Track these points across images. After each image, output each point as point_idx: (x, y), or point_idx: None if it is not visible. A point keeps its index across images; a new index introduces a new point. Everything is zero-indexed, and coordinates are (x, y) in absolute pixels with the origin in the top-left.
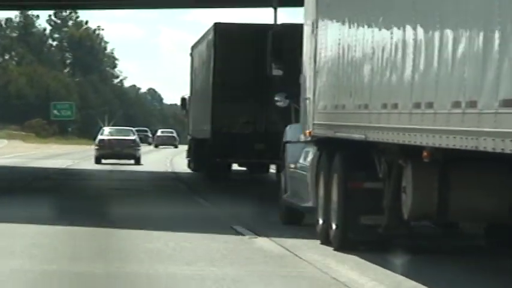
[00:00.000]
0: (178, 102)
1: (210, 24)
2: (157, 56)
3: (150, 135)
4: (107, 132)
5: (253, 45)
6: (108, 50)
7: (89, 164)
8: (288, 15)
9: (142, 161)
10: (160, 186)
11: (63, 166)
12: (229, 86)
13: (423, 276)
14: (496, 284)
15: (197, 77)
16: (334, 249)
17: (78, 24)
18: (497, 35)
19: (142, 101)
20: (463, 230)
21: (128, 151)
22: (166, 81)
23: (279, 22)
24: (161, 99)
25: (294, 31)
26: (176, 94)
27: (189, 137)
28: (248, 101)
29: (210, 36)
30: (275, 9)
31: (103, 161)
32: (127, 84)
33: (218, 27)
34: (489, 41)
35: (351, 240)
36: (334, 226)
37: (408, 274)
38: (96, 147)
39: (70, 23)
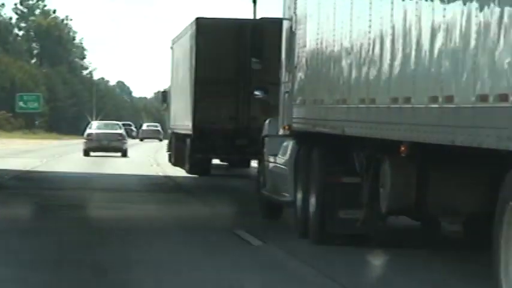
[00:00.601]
0: (148, 96)
1: (184, 17)
2: (125, 49)
3: (134, 129)
4: (94, 126)
5: (235, 40)
6: (77, 40)
7: (61, 164)
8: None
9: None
10: (156, 202)
11: (27, 168)
12: (210, 81)
13: (398, 270)
14: (475, 279)
15: (178, 71)
16: (312, 243)
17: (46, 13)
18: (473, 30)
19: (112, 94)
20: (441, 224)
21: (115, 144)
22: (135, 74)
23: (263, 15)
24: (130, 92)
25: (275, 25)
26: (145, 87)
27: (169, 131)
28: (230, 96)
29: (192, 31)
30: (254, 2)
31: (84, 163)
32: (95, 76)
33: (200, 22)
34: (466, 36)
35: (329, 234)
36: (312, 220)
37: (384, 268)
38: (85, 141)
39: (37, 11)
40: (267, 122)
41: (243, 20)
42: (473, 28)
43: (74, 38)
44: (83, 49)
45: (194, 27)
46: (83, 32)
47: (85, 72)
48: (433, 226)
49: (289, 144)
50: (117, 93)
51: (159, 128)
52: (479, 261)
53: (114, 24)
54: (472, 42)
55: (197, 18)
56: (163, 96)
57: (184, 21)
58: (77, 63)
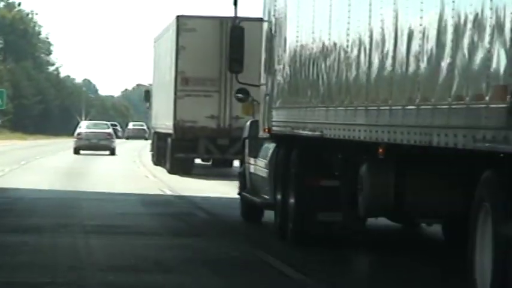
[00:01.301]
0: (115, 94)
1: (147, 15)
2: (90, 46)
3: (120, 129)
4: (84, 126)
5: (217, 38)
6: (43, 35)
7: (29, 175)
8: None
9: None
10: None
11: None
12: (192, 80)
13: (378, 271)
14: (454, 278)
15: (160, 70)
16: (290, 245)
17: (10, 6)
18: (450, 31)
19: (79, 91)
20: (421, 226)
21: (104, 143)
22: (101, 72)
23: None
24: (96, 90)
25: (255, 26)
26: (112, 85)
27: (152, 131)
28: (212, 96)
29: (172, 29)
30: (235, 4)
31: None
32: (61, 74)
33: (180, 20)
34: (442, 38)
35: (308, 236)
36: (291, 222)
37: (361, 270)
38: (75, 140)
39: (1, 4)
40: (247, 123)
41: (225, 17)
42: (449, 30)
43: (39, 33)
44: (49, 44)
45: (174, 25)
46: (48, 27)
47: (51, 68)
48: (412, 227)
49: (269, 147)
50: (83, 91)
51: (145, 127)
52: (458, 261)
53: (80, 20)
54: (448, 44)
55: (177, 16)
56: (146, 95)
57: (153, 19)
58: (42, 59)
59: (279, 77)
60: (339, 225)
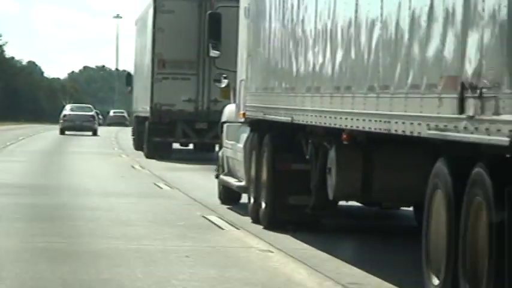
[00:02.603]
0: (62, 76)
1: None
2: (33, 30)
3: (101, 117)
4: (68, 109)
5: (195, 20)
6: None
7: None
8: None
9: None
10: None
11: None
12: (169, 62)
13: (341, 251)
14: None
15: (139, 53)
16: (263, 228)
17: None
18: (407, 21)
19: (26, 73)
20: (394, 210)
21: (87, 124)
22: (45, 55)
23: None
24: (42, 72)
25: (232, 12)
26: (56, 68)
27: (133, 115)
28: (190, 79)
29: (150, 11)
30: None
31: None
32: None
33: (158, 1)
34: (400, 28)
35: (279, 219)
36: (263, 205)
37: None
38: (61, 121)
39: None
40: (225, 108)
41: None
42: (406, 20)
43: None
44: None
45: (152, 6)
46: None
47: None
48: (386, 211)
49: (244, 131)
50: (29, 73)
51: (125, 114)
52: None
53: (23, 2)
54: (406, 34)
55: None
56: (128, 79)
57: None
58: None
59: (253, 63)
60: (310, 208)
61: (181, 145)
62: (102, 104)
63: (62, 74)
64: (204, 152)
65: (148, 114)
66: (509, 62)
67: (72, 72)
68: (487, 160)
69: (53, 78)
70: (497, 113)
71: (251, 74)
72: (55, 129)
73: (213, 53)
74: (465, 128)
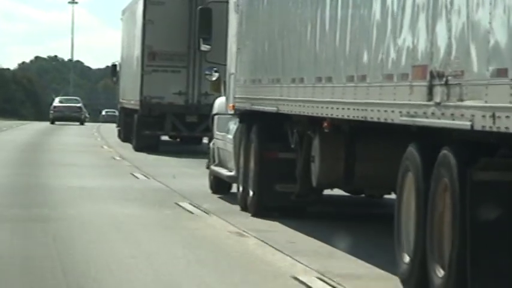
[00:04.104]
0: (12, 67)
1: None
2: None
3: (88, 115)
4: (57, 101)
5: (186, 12)
6: None
7: None
8: None
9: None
10: None
11: None
12: (159, 55)
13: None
14: None
15: (127, 44)
16: (251, 215)
17: None
18: (380, 15)
19: None
20: (380, 198)
21: (74, 115)
22: None
23: None
24: None
25: (223, 6)
26: (5, 60)
27: (119, 106)
28: (180, 71)
29: (140, 2)
30: None
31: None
32: None
33: None
34: (376, 20)
35: (266, 206)
36: (251, 193)
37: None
38: (51, 112)
39: None
40: (216, 100)
41: None
42: (380, 14)
43: None
44: None
45: None
46: None
47: None
48: (371, 199)
49: (234, 123)
50: None
51: (116, 113)
52: None
53: None
54: (380, 27)
55: None
56: (113, 70)
57: None
58: None
59: (241, 56)
60: (295, 195)
61: (171, 138)
62: (56, 96)
63: (12, 65)
64: (191, 144)
65: (137, 107)
66: (471, 51)
67: (23, 62)
68: (453, 143)
69: (3, 68)
70: (461, 99)
71: (240, 66)
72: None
73: (204, 47)
74: (433, 113)
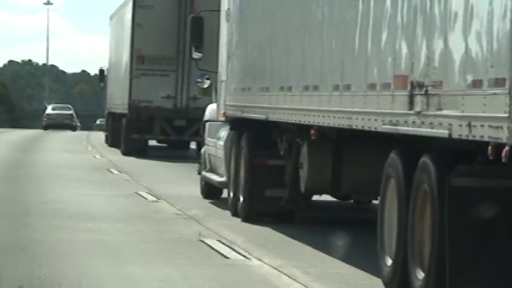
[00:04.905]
0: None
1: None
2: None
3: (79, 124)
4: (50, 108)
5: (175, 15)
6: None
7: None
8: None
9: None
10: None
11: None
12: (148, 58)
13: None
14: None
15: (116, 48)
16: (242, 220)
17: None
18: (366, 28)
19: None
20: (368, 203)
21: (66, 122)
22: None
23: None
24: None
25: (214, 15)
26: None
27: (106, 111)
28: (169, 75)
29: (129, 6)
30: None
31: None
32: None
33: None
34: (361, 31)
35: (256, 212)
36: (241, 199)
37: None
38: (44, 119)
39: None
40: (207, 107)
41: None
42: (367, 23)
43: None
44: None
45: (131, 1)
46: None
47: None
48: (360, 205)
49: (225, 130)
50: None
51: None
52: None
53: None
54: (365, 35)
55: None
56: (101, 75)
57: None
58: None
59: (232, 64)
60: (284, 201)
61: (159, 142)
62: (30, 101)
63: None
64: (178, 150)
65: (125, 111)
66: (449, 63)
67: (4, 65)
68: (432, 151)
69: None
70: (439, 109)
71: (230, 74)
72: None
73: (196, 54)
74: (413, 122)
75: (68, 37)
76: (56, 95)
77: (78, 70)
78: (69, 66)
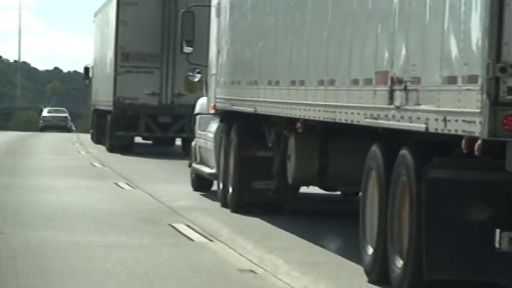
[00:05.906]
0: None
1: None
2: None
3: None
4: (46, 111)
5: (159, 12)
6: None
7: None
8: None
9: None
10: None
11: None
12: (132, 55)
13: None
14: None
15: (100, 46)
16: (231, 211)
17: None
18: (349, 24)
19: None
20: (356, 195)
21: (62, 123)
22: None
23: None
24: None
25: (205, 11)
26: None
27: (92, 108)
28: (153, 72)
29: (113, 3)
30: None
31: None
32: None
33: None
34: (344, 27)
35: (245, 203)
36: (230, 190)
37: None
38: (41, 121)
39: None
40: (198, 100)
41: None
42: (349, 23)
43: None
44: None
45: None
46: None
47: None
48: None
49: (215, 122)
50: None
51: None
52: None
53: None
54: (348, 32)
55: None
56: (86, 72)
57: None
58: None
59: (222, 58)
60: (272, 192)
61: (144, 139)
62: (1, 100)
63: None
64: (164, 146)
65: (110, 108)
66: (426, 60)
67: None
68: (411, 144)
69: None
70: (417, 104)
71: (220, 68)
72: None
73: (187, 49)
74: (393, 116)
75: (40, 34)
76: (28, 93)
77: (50, 67)
78: (42, 64)
